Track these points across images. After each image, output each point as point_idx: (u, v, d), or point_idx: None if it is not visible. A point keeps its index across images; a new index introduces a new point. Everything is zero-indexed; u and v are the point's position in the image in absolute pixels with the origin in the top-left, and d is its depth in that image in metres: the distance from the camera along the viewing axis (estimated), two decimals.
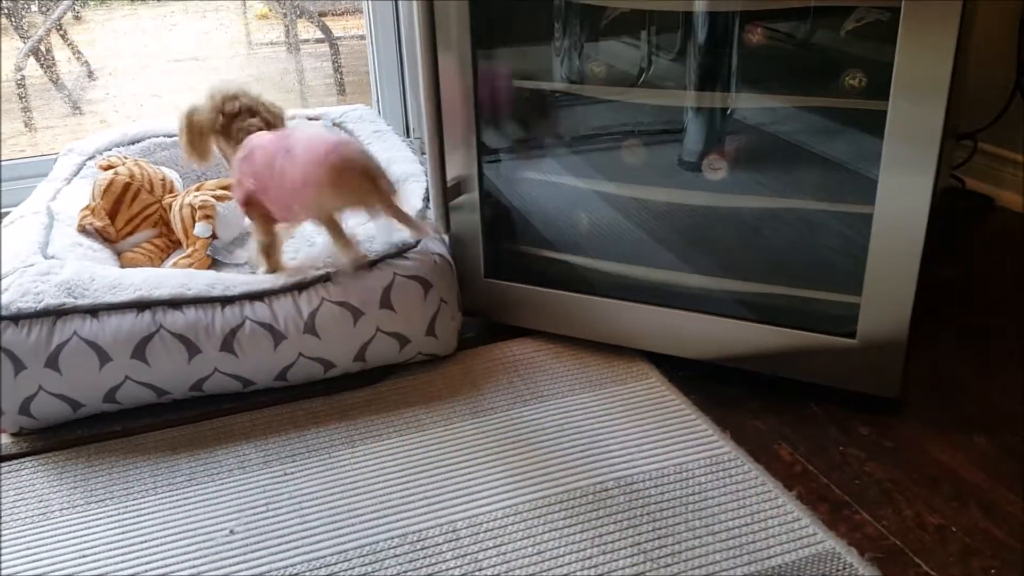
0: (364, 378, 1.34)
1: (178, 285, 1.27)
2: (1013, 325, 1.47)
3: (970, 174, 2.01)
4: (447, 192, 1.38)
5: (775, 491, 1.07)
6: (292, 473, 1.15)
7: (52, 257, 1.35)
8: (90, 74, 3.15)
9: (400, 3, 2.11)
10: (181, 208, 1.52)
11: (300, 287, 1.29)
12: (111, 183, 1.53)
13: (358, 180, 1.24)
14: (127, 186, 1.54)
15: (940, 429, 1.20)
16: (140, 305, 1.24)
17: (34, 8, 2.85)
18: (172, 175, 1.65)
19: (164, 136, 1.80)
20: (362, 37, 2.53)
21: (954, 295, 1.57)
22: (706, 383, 1.31)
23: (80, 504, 1.12)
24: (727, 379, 1.31)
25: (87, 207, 1.51)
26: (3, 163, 2.01)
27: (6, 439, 1.25)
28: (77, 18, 3.36)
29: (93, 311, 1.23)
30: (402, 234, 1.35)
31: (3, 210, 1.87)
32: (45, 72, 2.89)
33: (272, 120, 1.45)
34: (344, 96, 3.00)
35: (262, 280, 1.29)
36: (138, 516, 1.09)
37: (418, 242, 1.36)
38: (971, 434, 1.19)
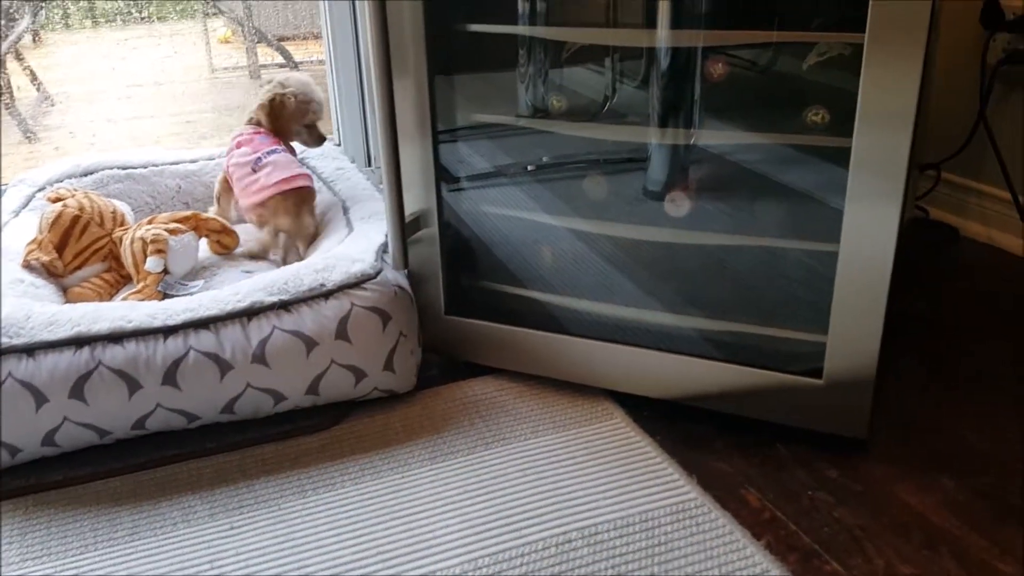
0: (318, 417, 1.29)
1: (118, 318, 1.21)
2: (979, 359, 1.45)
3: (934, 204, 2.01)
4: (405, 227, 1.34)
5: (743, 540, 1.04)
6: (239, 527, 1.09)
7: None
8: (47, 99, 3.08)
9: (360, 28, 2.07)
10: (132, 242, 1.46)
11: (250, 314, 1.24)
12: (59, 215, 1.47)
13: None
14: (76, 219, 1.48)
15: (908, 471, 1.18)
16: (78, 342, 1.18)
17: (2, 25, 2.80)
18: (124, 208, 1.60)
19: (118, 168, 1.75)
20: (315, 62, 2.49)
21: (919, 327, 1.55)
22: (671, 423, 1.28)
23: (15, 562, 1.05)
24: (693, 418, 1.28)
25: (34, 241, 1.46)
26: None
27: None
28: (36, 40, 3.29)
29: (29, 350, 1.17)
30: (362, 264, 1.32)
31: None
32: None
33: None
34: None
35: (207, 307, 1.24)
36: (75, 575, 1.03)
37: (378, 272, 1.32)
38: (940, 476, 1.17)
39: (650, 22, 1.36)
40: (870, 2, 1.00)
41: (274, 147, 1.65)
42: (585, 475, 1.17)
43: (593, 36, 1.43)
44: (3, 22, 2.54)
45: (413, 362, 1.35)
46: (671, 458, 1.19)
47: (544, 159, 1.59)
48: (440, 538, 1.06)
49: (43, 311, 1.22)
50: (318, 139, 1.75)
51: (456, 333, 1.41)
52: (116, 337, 1.18)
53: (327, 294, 1.27)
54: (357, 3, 2.02)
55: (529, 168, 1.56)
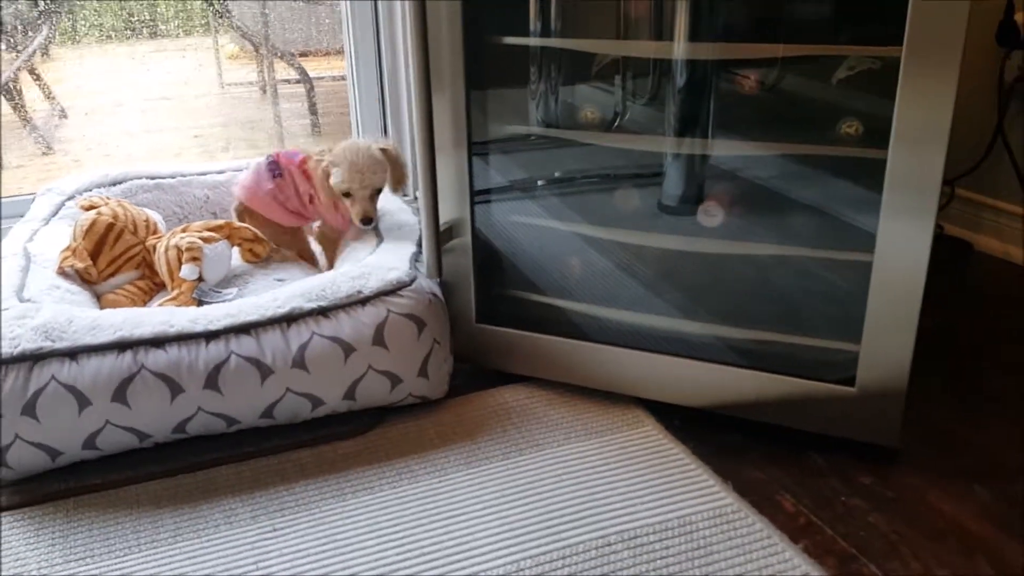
0: (353, 423, 1.31)
1: (160, 323, 1.22)
2: (997, 371, 1.47)
3: (947, 219, 2.04)
4: (440, 236, 1.36)
5: (781, 544, 1.05)
6: (281, 529, 1.11)
7: (28, 300, 1.31)
8: (62, 112, 3.10)
9: (383, 44, 2.10)
10: (167, 250, 1.48)
11: (289, 319, 1.26)
12: (94, 223, 1.49)
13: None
14: (110, 226, 1.50)
15: (939, 479, 1.19)
16: (121, 345, 1.20)
17: (2, 45, 2.81)
18: (156, 217, 1.62)
19: (146, 178, 1.76)
20: (335, 78, 2.52)
21: (936, 341, 1.57)
22: (703, 431, 1.29)
23: (59, 563, 1.06)
24: (723, 427, 1.29)
25: (68, 248, 1.47)
26: None
27: None
28: (45, 54, 3.31)
29: (72, 354, 1.18)
30: (398, 272, 1.33)
31: None
32: (16, 111, 2.84)
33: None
34: (320, 137, 2.98)
35: (248, 312, 1.25)
36: None
37: (413, 280, 1.34)
38: (970, 484, 1.18)
39: (669, 35, 1.39)
40: (908, 17, 1.02)
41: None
42: (621, 481, 1.18)
43: (626, 48, 1.46)
44: (1, 43, 2.56)
45: (446, 369, 1.36)
46: (705, 465, 1.21)
47: (556, 174, 1.61)
48: (481, 540, 1.07)
49: (85, 315, 1.23)
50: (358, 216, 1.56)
51: (486, 341, 1.42)
52: (159, 341, 1.20)
53: (364, 300, 1.29)
54: (381, 20, 2.05)
55: (540, 183, 1.59)
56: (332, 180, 1.55)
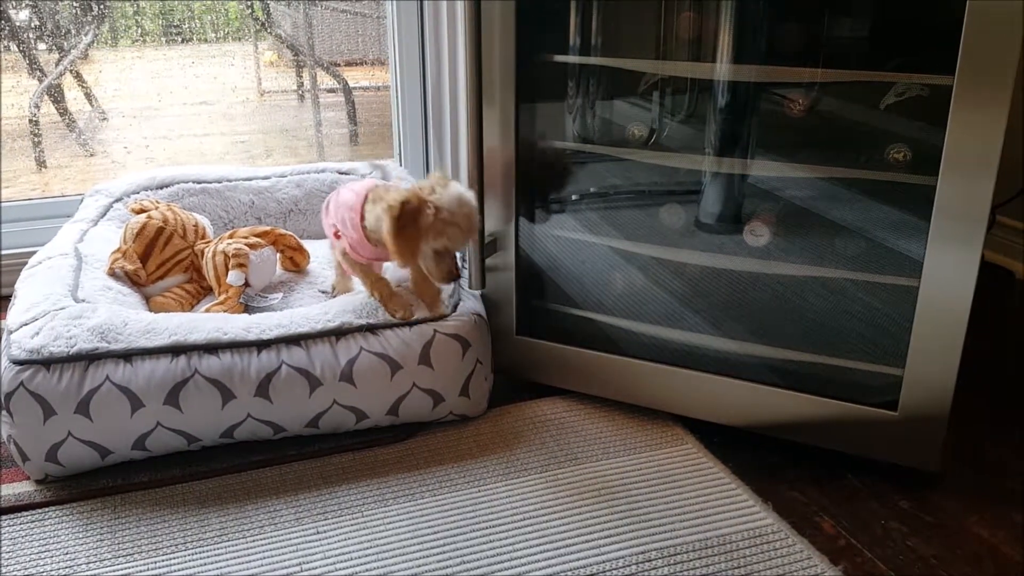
0: (393, 430, 1.33)
1: (214, 329, 1.25)
2: None
3: (987, 246, 2.02)
4: (484, 249, 1.38)
5: (822, 566, 1.06)
6: (324, 532, 1.12)
7: (83, 300, 1.34)
8: (102, 115, 3.16)
9: (427, 56, 2.13)
10: (214, 255, 1.51)
11: (339, 333, 1.28)
12: (144, 227, 1.52)
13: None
14: (160, 230, 1.53)
15: (977, 504, 1.19)
16: (175, 350, 1.22)
17: (42, 47, 2.87)
18: (204, 221, 1.65)
19: (193, 182, 1.79)
20: (375, 88, 2.55)
21: (975, 366, 1.56)
22: (742, 450, 1.30)
23: (108, 558, 1.09)
24: (763, 446, 1.30)
25: (118, 250, 1.50)
26: (16, 203, 2.01)
27: (30, 487, 1.22)
28: (84, 57, 3.38)
29: (127, 356, 1.21)
30: (443, 293, 1.35)
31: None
32: (60, 113, 2.90)
33: None
34: (358, 147, 3.01)
35: (299, 323, 1.28)
36: (168, 573, 1.06)
37: (458, 301, 1.36)
38: (1009, 511, 1.18)
39: (710, 55, 1.40)
40: (961, 46, 1.03)
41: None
42: (660, 498, 1.19)
43: (679, 69, 1.47)
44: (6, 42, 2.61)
45: (486, 388, 1.38)
46: (745, 485, 1.21)
47: (592, 189, 1.63)
48: (521, 551, 1.09)
49: (140, 318, 1.26)
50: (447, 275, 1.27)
51: (526, 353, 1.44)
52: (212, 348, 1.22)
53: (411, 320, 1.31)
54: (427, 32, 2.08)
55: (575, 197, 1.60)
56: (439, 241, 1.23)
